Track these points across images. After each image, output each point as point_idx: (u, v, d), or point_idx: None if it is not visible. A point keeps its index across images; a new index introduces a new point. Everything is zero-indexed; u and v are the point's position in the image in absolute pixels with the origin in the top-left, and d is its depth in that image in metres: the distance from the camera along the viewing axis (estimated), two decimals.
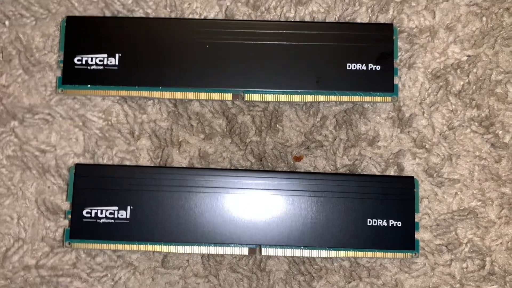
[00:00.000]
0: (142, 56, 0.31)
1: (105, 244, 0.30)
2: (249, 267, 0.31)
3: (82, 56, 0.31)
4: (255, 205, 0.30)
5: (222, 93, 0.31)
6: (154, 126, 0.32)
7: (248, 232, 0.30)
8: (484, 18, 0.33)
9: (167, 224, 0.30)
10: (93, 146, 0.31)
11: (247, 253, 0.30)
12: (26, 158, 0.31)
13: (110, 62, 0.31)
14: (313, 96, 0.31)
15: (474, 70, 0.32)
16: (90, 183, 0.30)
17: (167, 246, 0.30)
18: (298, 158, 0.32)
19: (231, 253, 0.30)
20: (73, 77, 0.31)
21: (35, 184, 0.31)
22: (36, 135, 0.32)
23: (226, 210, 0.30)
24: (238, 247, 0.30)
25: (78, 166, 0.30)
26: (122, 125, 0.32)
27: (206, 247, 0.30)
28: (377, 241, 0.30)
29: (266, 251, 0.30)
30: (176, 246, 0.30)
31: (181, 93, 0.31)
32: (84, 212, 0.30)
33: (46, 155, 0.31)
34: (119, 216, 0.30)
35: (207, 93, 0.31)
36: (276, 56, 0.31)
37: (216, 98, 0.31)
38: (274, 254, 0.30)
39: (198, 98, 0.32)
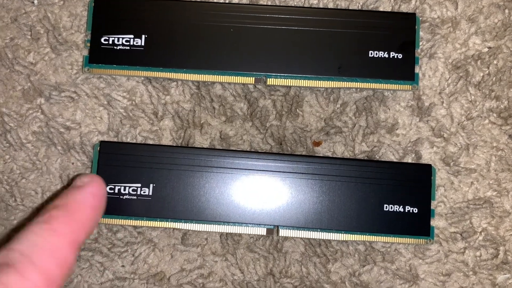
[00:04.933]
0: (168, 38, 0.32)
1: (126, 220, 0.31)
2: (266, 247, 0.32)
3: (108, 36, 0.32)
4: (273, 187, 0.31)
5: (245, 77, 0.32)
6: (177, 107, 0.32)
7: (266, 213, 0.31)
8: (506, 11, 0.33)
9: (187, 203, 0.31)
10: (117, 125, 0.32)
11: (264, 234, 0.31)
12: (52, 135, 0.32)
13: (136, 43, 0.32)
14: (334, 82, 0.32)
15: (495, 62, 0.33)
16: (114, 160, 0.31)
17: (187, 224, 0.31)
18: (317, 143, 0.32)
19: (249, 233, 0.31)
20: (99, 56, 0.32)
21: (60, 160, 0.32)
22: (62, 112, 0.32)
23: (245, 191, 0.31)
24: (256, 227, 0.31)
25: (102, 143, 0.31)
26: (146, 105, 0.32)
27: (224, 226, 0.31)
28: (393, 227, 0.31)
29: (283, 232, 0.31)
30: (196, 224, 0.31)
31: (204, 75, 0.32)
32: (107, 188, 0.30)
33: (71, 132, 0.32)
34: (142, 193, 0.30)
35: (230, 77, 0.32)
36: (299, 41, 0.32)
37: (238, 82, 0.32)
38: (291, 236, 0.31)
39: (221, 81, 0.32)
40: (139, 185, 0.31)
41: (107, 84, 0.33)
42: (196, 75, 0.32)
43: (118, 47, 0.32)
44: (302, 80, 0.32)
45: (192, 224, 0.31)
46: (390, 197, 0.31)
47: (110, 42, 0.32)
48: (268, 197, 0.31)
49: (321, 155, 0.32)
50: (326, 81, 0.32)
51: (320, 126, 0.33)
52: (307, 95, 0.33)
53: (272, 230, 0.31)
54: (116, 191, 0.30)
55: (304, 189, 0.31)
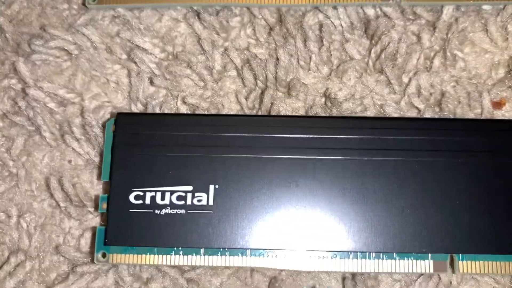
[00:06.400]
0: None
1: (168, 256, 0.16)
2: None
3: None
4: (436, 192, 0.17)
5: None
6: (246, 55, 0.19)
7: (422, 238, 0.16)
8: None
9: (272, 216, 0.16)
10: (145, 91, 0.19)
11: (431, 271, 0.16)
12: (34, 112, 0.19)
13: None
14: None
15: None
16: (141, 146, 0.17)
17: (277, 261, 0.16)
18: (498, 104, 0.18)
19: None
20: None
21: (48, 156, 0.19)
22: (51, 77, 0.19)
23: (385, 199, 0.17)
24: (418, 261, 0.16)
25: (120, 116, 0.17)
26: (192, 55, 0.19)
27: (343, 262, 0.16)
28: None
29: (461, 265, 0.16)
30: (289, 259, 0.16)
31: None
32: (131, 197, 0.16)
33: (66, 108, 0.19)
34: (195, 201, 0.16)
35: None
36: None
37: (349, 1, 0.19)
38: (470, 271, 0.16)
39: (322, 4, 0.19)
40: (189, 187, 0.16)
41: (125, 24, 0.19)
42: None
43: None
44: None
45: (284, 261, 0.16)
46: None
47: None
48: (432, 215, 0.16)
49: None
50: None
51: (498, 74, 0.19)
52: (471, 22, 0.19)
53: (443, 262, 0.16)
54: (148, 201, 0.16)
55: (494, 188, 0.17)
